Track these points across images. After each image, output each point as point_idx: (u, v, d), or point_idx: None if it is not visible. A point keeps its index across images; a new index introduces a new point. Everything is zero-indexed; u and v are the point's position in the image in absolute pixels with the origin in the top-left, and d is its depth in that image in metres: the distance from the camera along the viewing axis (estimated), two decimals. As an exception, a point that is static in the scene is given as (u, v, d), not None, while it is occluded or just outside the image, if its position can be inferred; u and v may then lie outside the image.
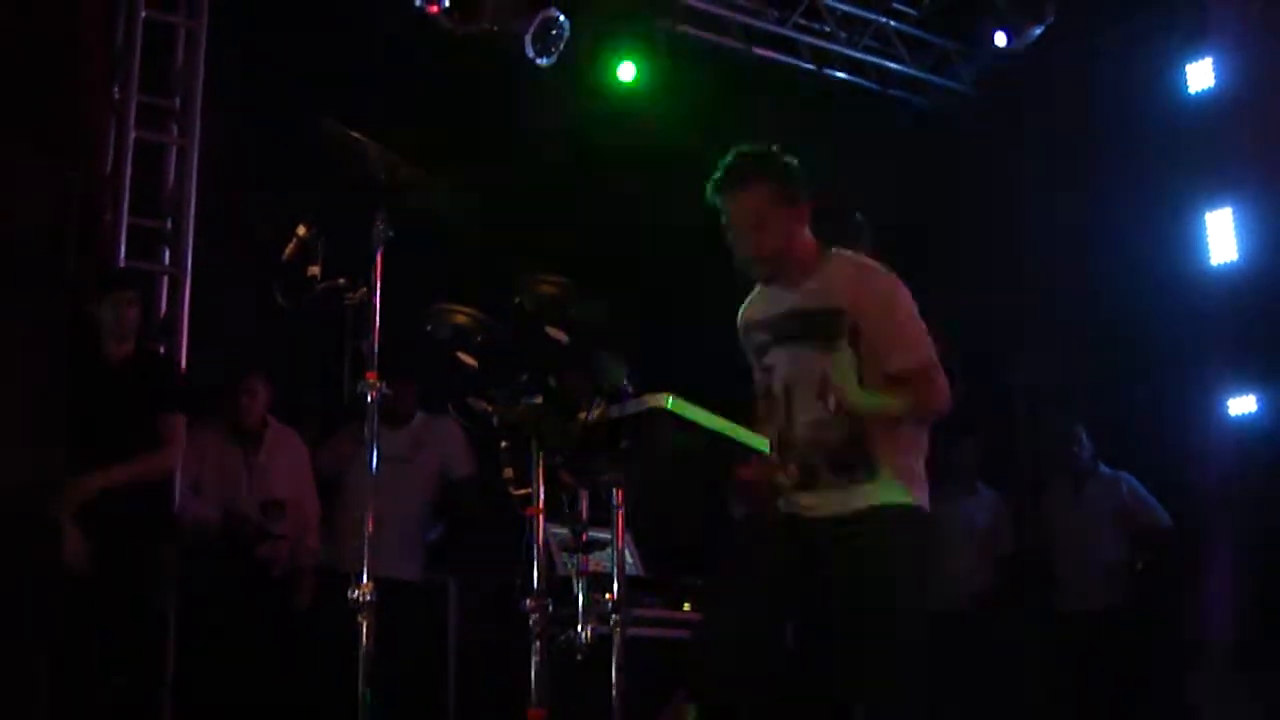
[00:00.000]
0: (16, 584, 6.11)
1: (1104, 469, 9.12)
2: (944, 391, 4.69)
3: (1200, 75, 9.60)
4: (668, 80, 9.70)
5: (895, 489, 4.66)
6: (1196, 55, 9.62)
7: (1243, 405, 9.18)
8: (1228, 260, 9.33)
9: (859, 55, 10.42)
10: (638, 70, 9.72)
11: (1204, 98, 9.58)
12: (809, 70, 10.32)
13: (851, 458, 4.65)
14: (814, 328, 4.71)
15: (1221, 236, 9.37)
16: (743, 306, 5.02)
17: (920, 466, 4.77)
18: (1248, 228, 9.27)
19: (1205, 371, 9.27)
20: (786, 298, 4.81)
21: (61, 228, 6.65)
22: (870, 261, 4.85)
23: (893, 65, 10.57)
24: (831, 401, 4.56)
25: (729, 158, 4.79)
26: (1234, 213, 9.33)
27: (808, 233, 4.81)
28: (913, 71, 10.67)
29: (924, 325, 4.74)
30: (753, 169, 4.75)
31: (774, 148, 4.84)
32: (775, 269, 4.82)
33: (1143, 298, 9.37)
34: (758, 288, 4.97)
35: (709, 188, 4.78)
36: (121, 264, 7.74)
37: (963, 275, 9.66)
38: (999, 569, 9.23)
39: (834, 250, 4.84)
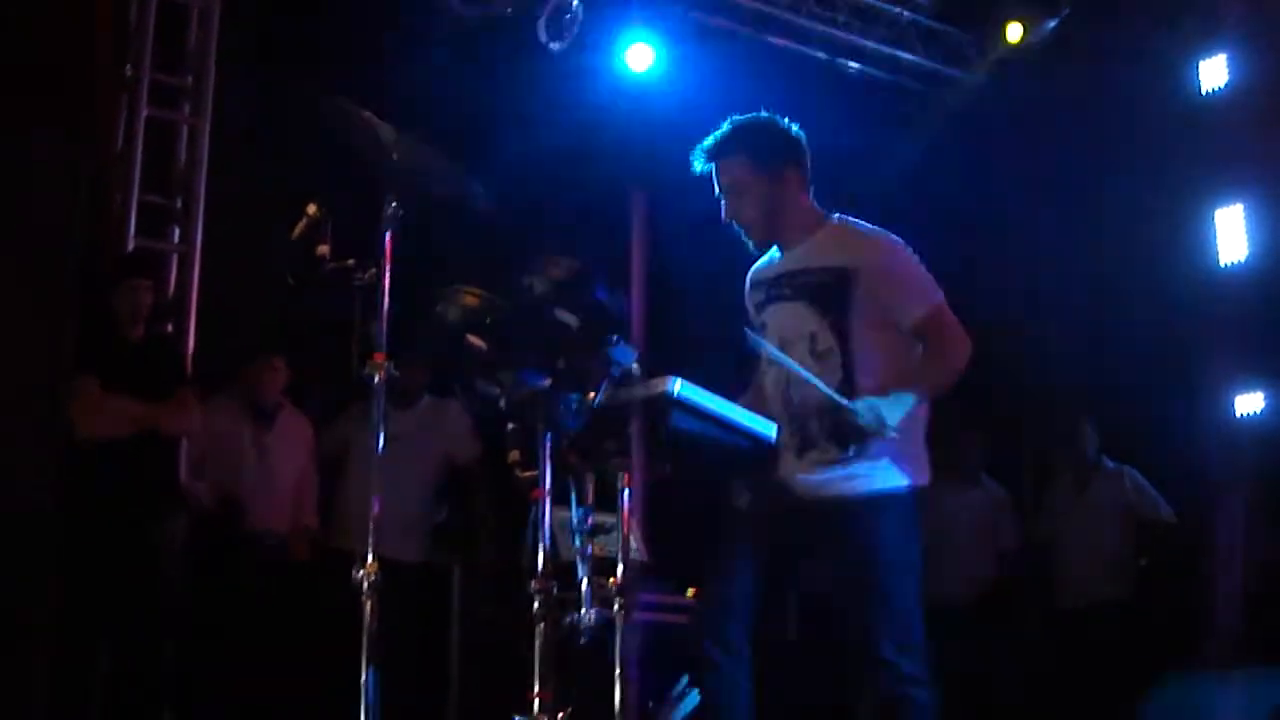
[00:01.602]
0: (18, 569, 6.14)
1: (1109, 463, 9.11)
2: (963, 334, 4.72)
3: (1213, 73, 9.58)
4: (680, 66, 9.69)
5: (893, 471, 4.66)
6: (1209, 52, 9.61)
7: (1250, 403, 9.18)
8: (1237, 258, 9.33)
9: (872, 45, 10.39)
10: (651, 56, 9.72)
11: (1216, 95, 9.56)
12: (821, 60, 10.30)
13: (846, 424, 4.65)
14: (808, 287, 4.75)
15: (1231, 234, 9.36)
16: (751, 268, 5.06)
17: (920, 443, 4.78)
18: (1258, 226, 9.26)
19: (1213, 369, 9.27)
20: (784, 259, 4.90)
21: (71, 204, 6.66)
22: (866, 225, 4.88)
23: (906, 56, 10.55)
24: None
25: (718, 129, 4.87)
26: (1244, 211, 9.33)
27: (802, 198, 4.91)
28: (926, 63, 10.64)
29: (928, 274, 4.77)
30: (730, 140, 4.88)
31: (759, 117, 4.91)
32: (766, 234, 4.93)
33: (1152, 294, 9.37)
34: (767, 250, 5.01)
35: (695, 158, 4.86)
36: (131, 242, 7.77)
37: (972, 269, 9.65)
38: (1002, 562, 9.24)
39: (836, 215, 4.88)
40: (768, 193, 4.84)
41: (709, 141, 4.89)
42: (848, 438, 4.65)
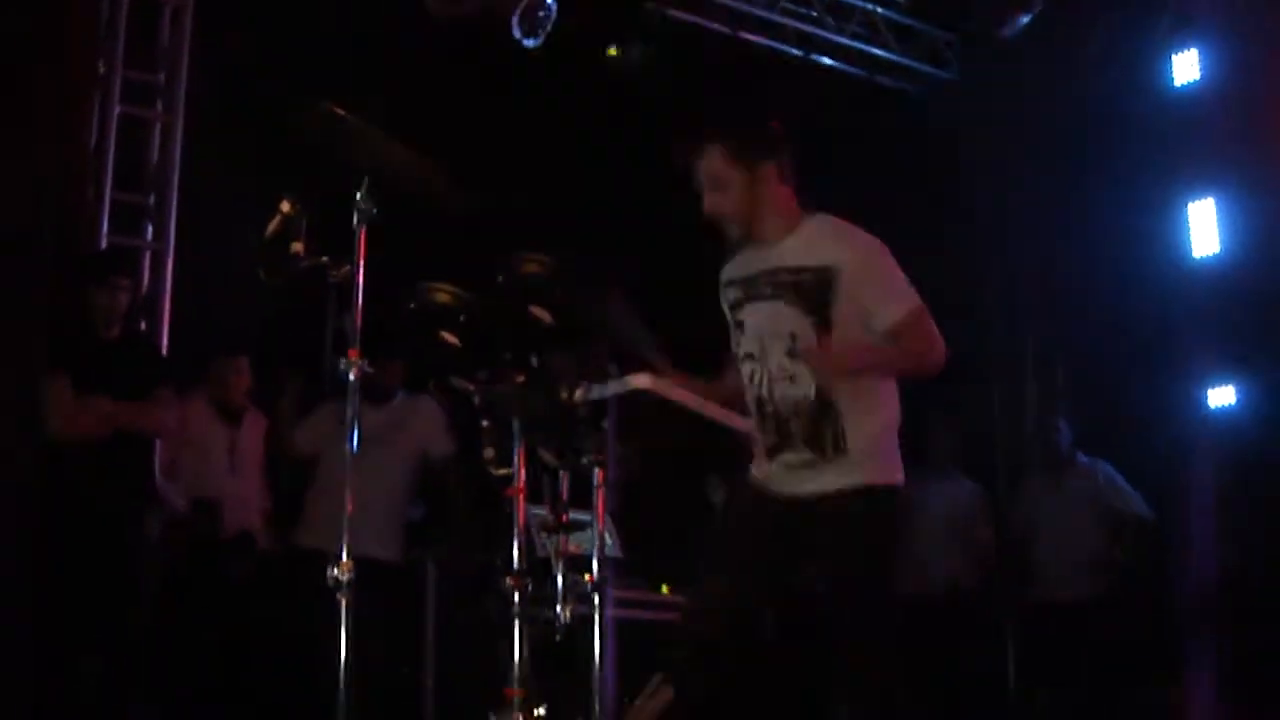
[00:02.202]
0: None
1: (1082, 458, 9.12)
2: (938, 340, 4.73)
3: (1185, 67, 9.61)
4: (653, 63, 9.68)
5: (867, 468, 4.67)
6: (1182, 47, 9.64)
7: (1222, 397, 9.20)
8: (1210, 252, 9.35)
9: (846, 42, 10.40)
10: (624, 53, 9.71)
11: (1189, 89, 9.59)
12: (795, 56, 10.31)
13: (822, 427, 4.66)
14: (788, 286, 4.74)
15: (1204, 228, 9.39)
16: (725, 267, 5.04)
17: (893, 442, 4.78)
18: (1230, 220, 9.28)
19: (1186, 363, 9.30)
20: (763, 256, 4.86)
21: (43, 201, 6.64)
22: (848, 223, 4.86)
23: (879, 52, 10.56)
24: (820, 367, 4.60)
25: (695, 122, 4.85)
26: (1217, 204, 9.35)
27: (782, 193, 4.85)
28: (899, 59, 10.66)
29: (907, 279, 4.76)
30: (711, 133, 4.83)
31: (738, 111, 4.89)
32: (746, 228, 4.88)
33: (1124, 288, 9.39)
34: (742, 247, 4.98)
35: (674, 152, 4.83)
36: (104, 239, 7.74)
37: (946, 263, 9.67)
38: (976, 557, 9.24)
39: (817, 214, 4.86)
40: (747, 187, 4.81)
41: (689, 135, 4.87)
42: (819, 438, 4.66)
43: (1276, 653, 8.00)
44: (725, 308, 4.99)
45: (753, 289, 4.85)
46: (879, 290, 4.72)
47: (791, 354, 4.70)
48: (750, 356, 4.83)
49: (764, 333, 4.79)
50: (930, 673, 7.64)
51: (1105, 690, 8.46)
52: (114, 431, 6.61)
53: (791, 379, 4.71)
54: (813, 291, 4.71)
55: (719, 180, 4.81)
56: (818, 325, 4.69)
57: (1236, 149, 9.21)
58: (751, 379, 4.82)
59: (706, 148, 4.82)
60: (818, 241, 4.79)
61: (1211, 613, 8.42)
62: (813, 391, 4.67)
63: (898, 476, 4.76)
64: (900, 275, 4.77)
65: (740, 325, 4.89)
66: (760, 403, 4.78)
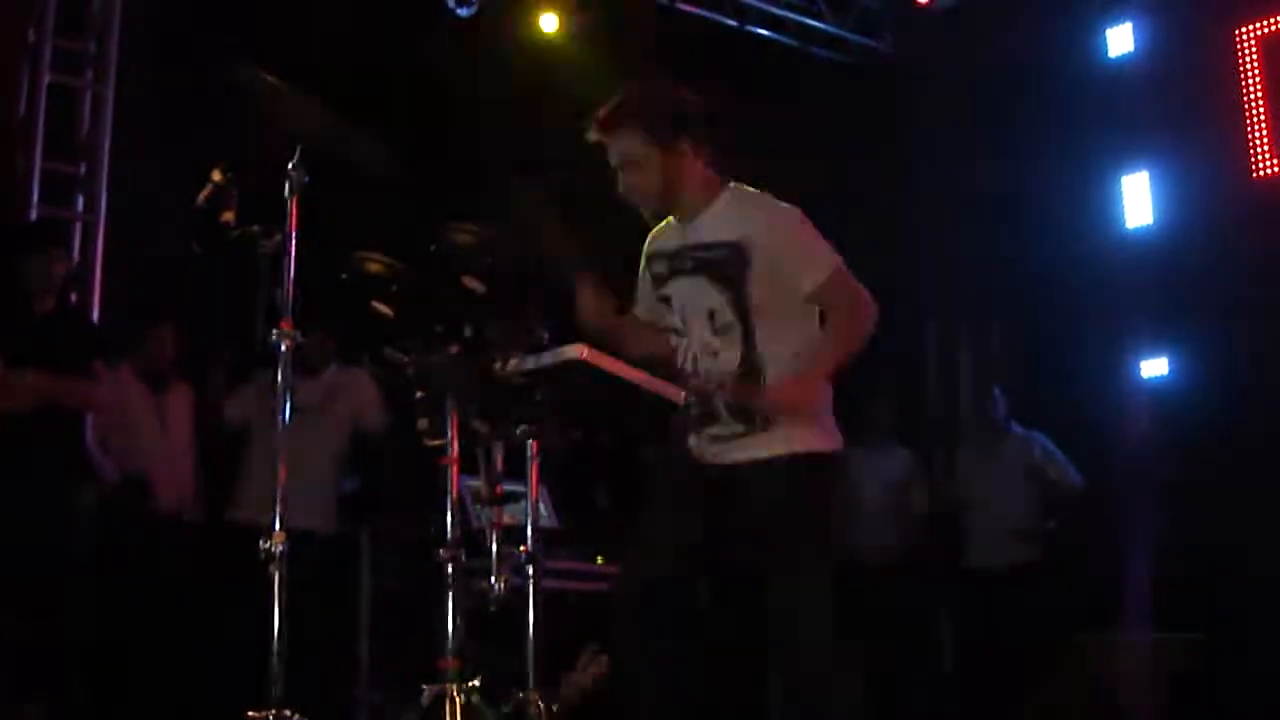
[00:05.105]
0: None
1: (1017, 428, 9.18)
2: (865, 296, 4.68)
3: (1120, 39, 9.66)
4: (589, 32, 9.65)
5: (797, 437, 4.63)
6: (1116, 19, 9.69)
7: (1155, 368, 9.28)
8: (1143, 224, 9.42)
9: (780, 12, 10.40)
10: (560, 22, 9.68)
11: (1123, 62, 9.65)
12: (730, 26, 10.29)
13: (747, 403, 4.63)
14: (705, 262, 4.70)
15: (1137, 200, 9.46)
16: (649, 237, 4.99)
17: (827, 409, 4.73)
18: (1163, 192, 9.36)
19: (1118, 334, 9.37)
20: (682, 232, 4.80)
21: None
22: (763, 194, 4.81)
23: (814, 23, 10.56)
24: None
25: (611, 98, 4.77)
26: (1150, 177, 9.42)
27: (698, 166, 4.77)
28: (834, 29, 10.66)
29: (827, 243, 4.72)
30: (625, 111, 4.72)
31: (651, 85, 4.82)
32: (662, 206, 4.81)
33: (1058, 259, 9.45)
34: (666, 220, 4.94)
35: (589, 129, 4.76)
36: (34, 210, 7.67)
37: (881, 234, 9.69)
38: (911, 526, 9.29)
39: (733, 185, 4.81)
40: (662, 165, 4.71)
41: (601, 113, 4.79)
42: (751, 414, 4.63)
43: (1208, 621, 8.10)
44: (650, 282, 4.93)
45: (677, 264, 4.78)
46: (798, 256, 4.66)
47: (714, 330, 4.67)
48: (675, 331, 4.80)
49: (687, 308, 4.75)
50: (861, 640, 7.67)
51: (1035, 655, 8.52)
52: (44, 404, 6.54)
53: (715, 354, 4.68)
54: (727, 267, 4.65)
55: (635, 160, 4.73)
56: (732, 302, 4.65)
57: (1170, 121, 9.28)
58: (677, 353, 4.79)
59: (620, 128, 4.74)
60: (732, 215, 4.73)
61: (1146, 583, 8.48)
62: (736, 367, 4.64)
63: (832, 444, 4.71)
64: (820, 240, 4.70)
65: (666, 300, 4.84)
66: (689, 375, 4.75)
